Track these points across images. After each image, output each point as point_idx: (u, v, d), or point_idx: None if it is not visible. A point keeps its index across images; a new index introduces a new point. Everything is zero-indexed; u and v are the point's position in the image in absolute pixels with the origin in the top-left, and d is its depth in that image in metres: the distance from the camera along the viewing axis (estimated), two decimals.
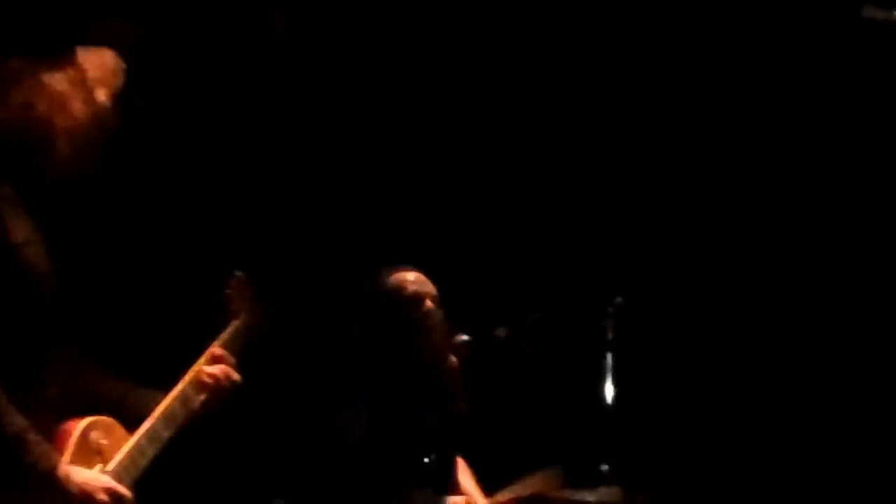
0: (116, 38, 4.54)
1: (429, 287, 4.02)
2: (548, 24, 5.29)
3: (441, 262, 4.12)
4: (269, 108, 5.09)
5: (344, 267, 4.93)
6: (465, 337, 3.99)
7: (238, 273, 3.29)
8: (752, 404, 5.34)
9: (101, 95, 2.88)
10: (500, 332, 4.16)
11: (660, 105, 5.40)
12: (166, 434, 2.96)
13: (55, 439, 2.77)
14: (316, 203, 5.17)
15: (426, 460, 3.92)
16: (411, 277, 4.01)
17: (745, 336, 5.39)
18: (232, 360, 3.10)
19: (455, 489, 4.02)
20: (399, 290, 3.98)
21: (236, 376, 3.08)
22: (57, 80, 2.83)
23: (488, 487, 4.11)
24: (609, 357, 4.34)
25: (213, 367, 3.07)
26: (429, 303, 3.98)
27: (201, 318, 3.19)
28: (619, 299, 4.41)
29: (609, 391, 4.32)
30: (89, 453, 2.81)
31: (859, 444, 5.25)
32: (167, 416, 2.97)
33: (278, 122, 5.13)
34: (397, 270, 4.03)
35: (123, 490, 2.81)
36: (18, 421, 2.66)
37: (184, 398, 3.02)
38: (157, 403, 2.98)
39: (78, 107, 2.83)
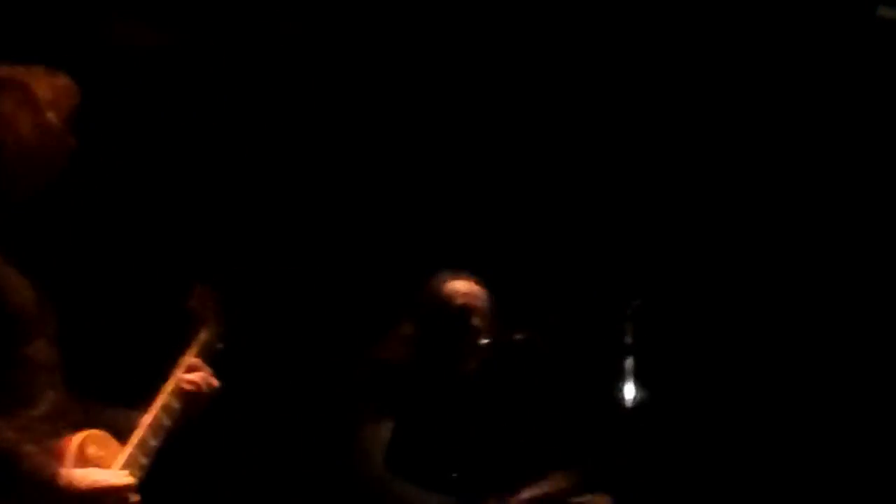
0: (132, 41, 4.57)
1: (480, 301, 3.96)
2: (572, 28, 5.30)
3: (460, 265, 4.10)
4: (283, 113, 5.11)
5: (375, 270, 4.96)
6: (484, 339, 3.97)
7: (199, 284, 3.33)
8: (772, 406, 5.33)
9: (52, 117, 2.88)
10: (519, 334, 4.14)
11: (679, 108, 5.39)
12: (155, 444, 2.99)
13: (53, 454, 2.77)
14: (337, 208, 5.18)
15: (453, 475, 3.90)
16: (463, 288, 3.97)
17: (765, 338, 5.38)
18: (208, 367, 3.15)
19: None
20: (449, 300, 3.94)
21: (215, 382, 3.13)
22: (4, 103, 2.85)
23: (508, 491, 4.08)
24: (628, 359, 4.33)
25: (191, 374, 3.11)
26: (477, 320, 3.94)
27: (168, 332, 3.25)
28: (637, 301, 4.40)
29: (628, 394, 4.31)
30: (87, 467, 2.82)
31: (883, 442, 5.24)
32: (155, 427, 3.01)
33: (294, 127, 5.14)
34: (454, 276, 3.99)
35: (129, 479, 2.83)
36: (10, 435, 2.68)
37: (168, 408, 3.06)
38: (130, 420, 3.01)
39: (27, 128, 2.84)
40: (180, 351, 3.19)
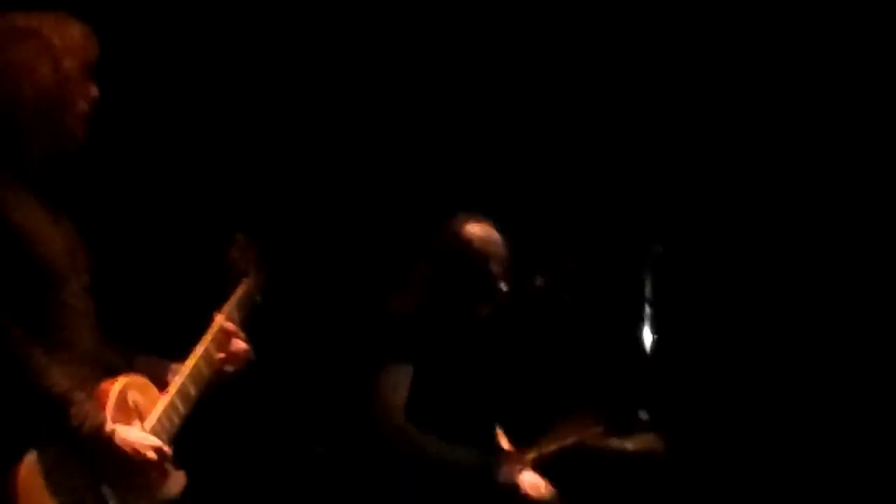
0: None
1: (497, 246, 3.90)
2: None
3: (479, 211, 4.07)
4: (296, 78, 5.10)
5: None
6: (502, 286, 3.94)
7: (239, 235, 3.34)
8: (790, 350, 5.33)
9: (69, 63, 2.88)
10: (538, 280, 4.12)
11: (699, 57, 5.36)
12: (194, 392, 3.04)
13: (94, 400, 2.82)
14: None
15: (474, 419, 3.89)
16: (480, 233, 3.91)
17: (783, 282, 5.37)
18: (243, 333, 3.16)
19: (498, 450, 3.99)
20: (466, 245, 3.88)
21: (248, 353, 3.16)
22: (21, 51, 2.85)
23: (526, 439, 4.08)
24: (647, 305, 4.33)
25: (229, 341, 3.14)
26: (494, 266, 3.91)
27: (208, 282, 3.28)
28: (657, 247, 4.39)
29: (647, 339, 4.31)
30: (127, 412, 2.88)
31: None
32: (194, 375, 3.05)
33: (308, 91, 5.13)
34: (470, 219, 3.94)
35: (168, 449, 2.89)
36: (63, 381, 2.72)
37: (208, 357, 3.09)
38: (167, 369, 3.06)
39: (45, 73, 2.85)
40: (220, 301, 3.21)
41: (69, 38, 2.90)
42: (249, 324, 3.25)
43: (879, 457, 5.20)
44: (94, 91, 2.94)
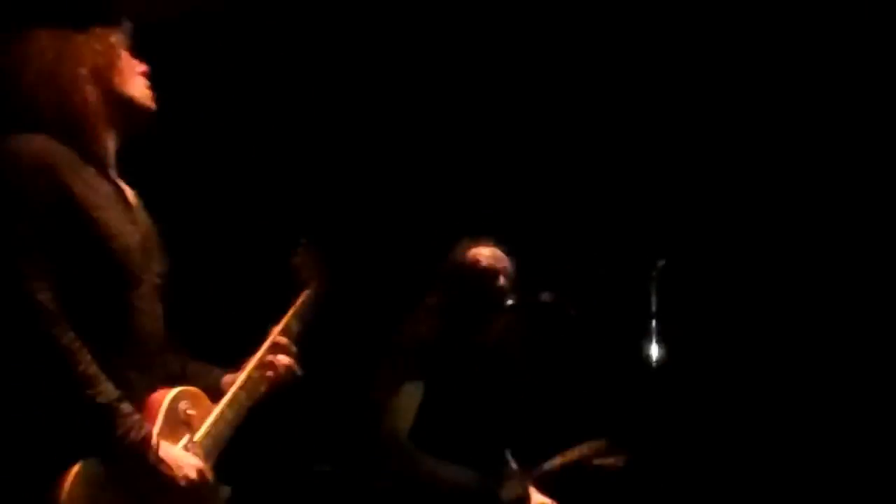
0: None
1: (504, 263, 3.96)
2: None
3: (487, 227, 4.10)
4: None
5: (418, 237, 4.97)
6: (510, 301, 3.97)
7: (305, 241, 3.31)
8: (796, 362, 5.34)
9: (113, 44, 2.86)
10: (546, 296, 4.14)
11: (703, 70, 5.37)
12: (247, 404, 2.99)
13: (145, 408, 2.77)
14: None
15: (484, 436, 3.90)
16: (487, 252, 3.96)
17: (788, 295, 5.38)
18: (294, 348, 3.11)
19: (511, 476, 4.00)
20: (474, 263, 3.94)
21: (297, 370, 3.11)
22: (68, 44, 2.83)
23: (533, 454, 4.10)
24: (653, 320, 4.34)
25: (279, 358, 3.09)
26: (502, 280, 3.95)
27: (272, 289, 3.22)
28: (661, 262, 4.40)
29: (654, 354, 4.32)
30: (177, 423, 2.82)
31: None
32: (249, 387, 3.01)
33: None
34: (474, 243, 3.99)
35: (209, 471, 2.81)
36: (111, 390, 2.65)
37: (262, 368, 3.05)
38: (222, 379, 3.01)
39: (97, 50, 2.83)
40: (282, 309, 3.16)
41: (102, 31, 2.88)
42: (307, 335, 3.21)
43: (886, 467, 5.20)
44: (143, 66, 2.91)
